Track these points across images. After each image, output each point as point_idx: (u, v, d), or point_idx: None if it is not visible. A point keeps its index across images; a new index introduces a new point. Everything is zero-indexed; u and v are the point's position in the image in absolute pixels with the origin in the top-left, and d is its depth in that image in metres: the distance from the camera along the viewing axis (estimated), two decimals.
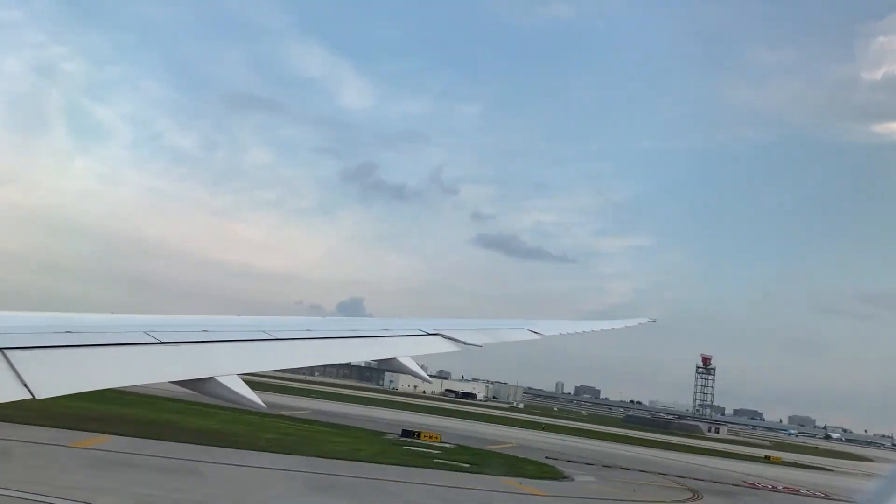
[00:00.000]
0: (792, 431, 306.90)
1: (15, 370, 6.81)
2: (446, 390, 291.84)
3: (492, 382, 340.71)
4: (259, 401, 8.40)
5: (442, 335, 11.21)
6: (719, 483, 76.52)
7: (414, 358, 10.17)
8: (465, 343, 11.32)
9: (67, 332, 7.90)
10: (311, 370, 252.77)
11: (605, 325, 20.88)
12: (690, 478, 77.69)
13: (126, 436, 57.95)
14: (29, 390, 6.66)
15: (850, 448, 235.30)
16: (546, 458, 79.66)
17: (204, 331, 8.68)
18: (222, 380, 7.94)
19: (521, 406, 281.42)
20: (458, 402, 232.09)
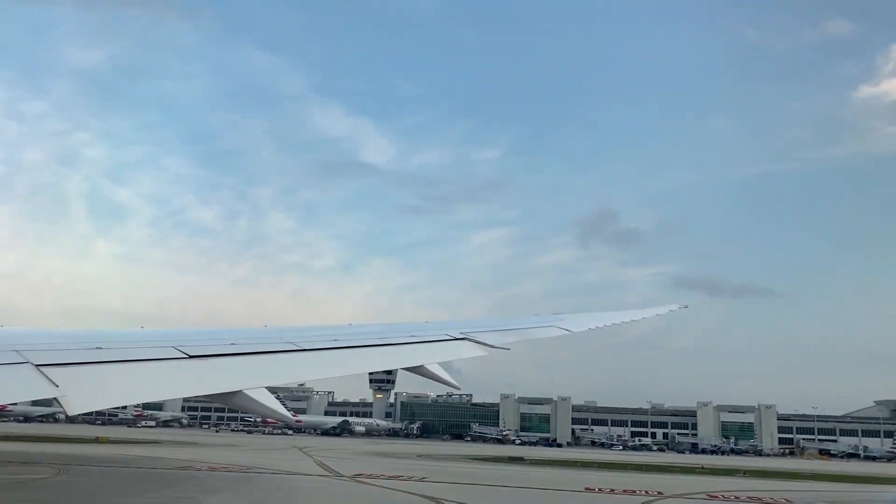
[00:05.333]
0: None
1: (51, 383, 6.95)
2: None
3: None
4: (286, 412, 8.47)
5: (469, 339, 11.15)
6: None
7: (441, 364, 10.13)
8: (492, 346, 11.26)
9: (98, 348, 8.03)
10: None
11: (634, 314, 20.49)
12: None
13: None
14: (61, 405, 6.79)
15: None
16: None
17: (232, 343, 8.76)
18: (250, 392, 8.00)
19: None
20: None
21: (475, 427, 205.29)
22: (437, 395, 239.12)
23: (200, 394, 7.86)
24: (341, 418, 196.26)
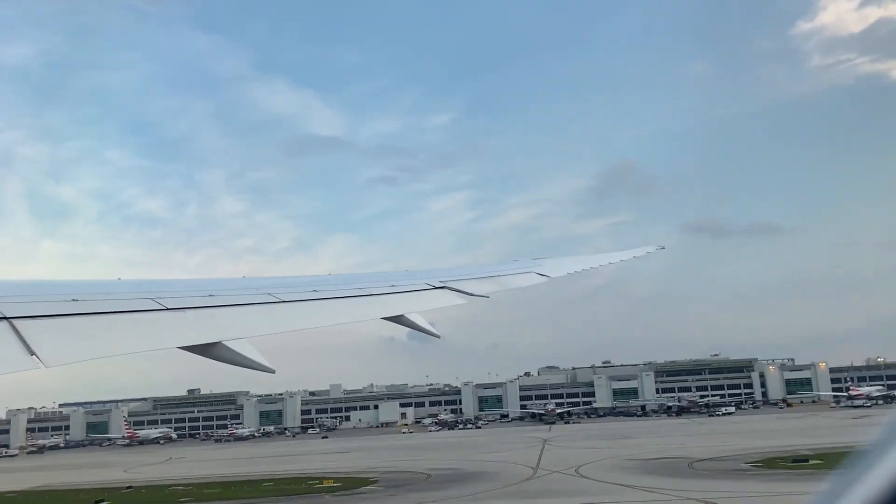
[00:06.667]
0: None
1: (24, 340, 6.86)
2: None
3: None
4: (267, 363, 8.46)
5: (449, 288, 11.19)
6: None
7: (422, 313, 10.17)
8: (471, 294, 11.32)
9: (74, 300, 7.91)
10: None
11: (612, 257, 20.58)
12: None
13: None
14: (39, 360, 6.73)
15: None
16: None
17: (210, 295, 8.68)
18: (230, 344, 7.98)
19: None
20: None
21: None
22: None
23: (180, 346, 7.81)
24: None
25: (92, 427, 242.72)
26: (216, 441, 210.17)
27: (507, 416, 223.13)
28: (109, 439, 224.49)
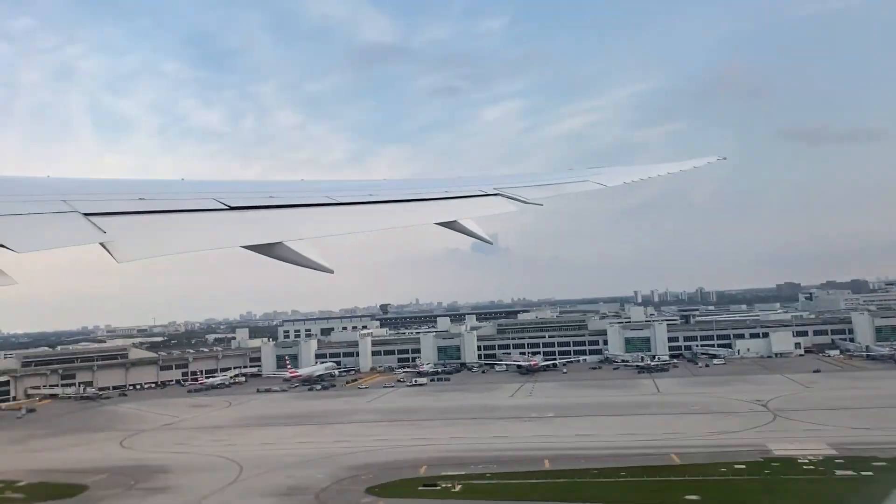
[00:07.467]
0: None
1: (99, 230, 7.22)
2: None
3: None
4: (327, 264, 8.73)
5: (502, 194, 11.19)
6: None
7: (476, 220, 10.24)
8: (525, 202, 11.30)
9: (141, 198, 8.22)
10: None
11: (671, 167, 20.22)
12: None
13: None
14: (111, 255, 7.09)
15: None
16: None
17: (270, 196, 8.89)
18: (290, 244, 8.23)
19: None
20: None
21: None
22: None
23: (243, 244, 8.09)
24: None
25: (442, 351, 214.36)
26: (642, 372, 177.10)
27: None
28: (467, 365, 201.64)
